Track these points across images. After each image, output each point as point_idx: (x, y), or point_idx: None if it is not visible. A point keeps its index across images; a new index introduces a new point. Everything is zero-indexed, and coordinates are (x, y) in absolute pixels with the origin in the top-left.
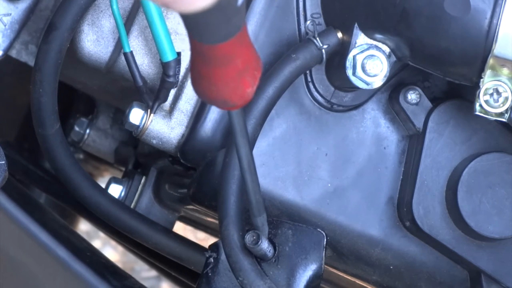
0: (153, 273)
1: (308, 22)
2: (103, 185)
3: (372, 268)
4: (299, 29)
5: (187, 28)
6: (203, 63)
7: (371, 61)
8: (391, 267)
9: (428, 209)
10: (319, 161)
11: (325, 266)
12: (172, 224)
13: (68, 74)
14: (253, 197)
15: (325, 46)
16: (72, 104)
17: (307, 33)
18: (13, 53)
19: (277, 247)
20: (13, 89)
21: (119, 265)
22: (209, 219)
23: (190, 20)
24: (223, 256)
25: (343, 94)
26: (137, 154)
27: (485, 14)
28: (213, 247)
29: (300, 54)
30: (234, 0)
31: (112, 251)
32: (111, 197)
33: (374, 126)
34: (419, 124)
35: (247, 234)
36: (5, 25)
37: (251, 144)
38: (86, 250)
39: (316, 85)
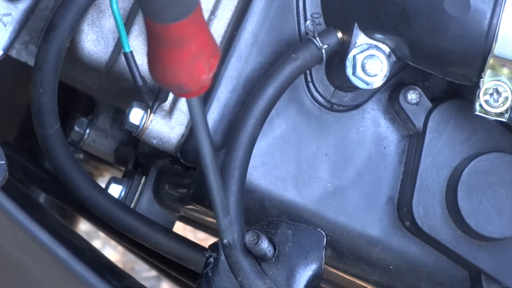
0: (153, 273)
1: (308, 22)
2: (103, 185)
3: (372, 268)
4: (299, 29)
5: (140, 6)
6: (157, 45)
7: (371, 61)
8: (391, 267)
9: (428, 209)
10: (319, 161)
11: (325, 266)
12: (172, 224)
13: (68, 74)
14: (217, 197)
15: (325, 46)
16: (72, 104)
17: (307, 33)
18: (13, 53)
19: (277, 247)
20: (13, 89)
21: (119, 265)
22: (209, 219)
23: None
24: (223, 256)
25: (343, 94)
26: (137, 154)
27: (485, 14)
28: (213, 247)
29: (300, 54)
30: None
31: (112, 251)
32: (111, 197)
33: (374, 126)
34: (419, 124)
35: (247, 234)
36: (5, 25)
37: (251, 143)
38: (86, 250)
39: (316, 85)
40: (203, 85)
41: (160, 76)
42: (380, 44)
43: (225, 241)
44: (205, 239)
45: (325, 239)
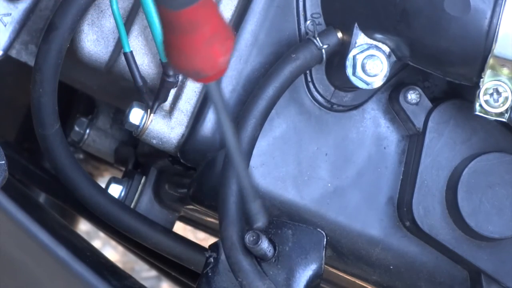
0: (153, 273)
1: (308, 22)
2: (103, 185)
3: (372, 268)
4: (299, 29)
5: None
6: (172, 32)
7: (371, 61)
8: (391, 267)
9: (428, 209)
10: (319, 161)
11: (325, 266)
12: (172, 224)
13: (68, 74)
14: (244, 180)
15: (325, 46)
16: (72, 104)
17: (307, 33)
18: (13, 53)
19: (277, 247)
20: (13, 89)
21: (119, 265)
22: (209, 219)
23: None
24: (223, 256)
25: (343, 94)
26: (137, 154)
27: (485, 14)
28: (213, 247)
29: (300, 54)
30: None
31: (112, 251)
32: (111, 197)
33: (374, 126)
34: (419, 124)
35: (247, 234)
36: (5, 25)
37: (252, 143)
38: (86, 250)
39: (316, 85)
40: (220, 68)
41: (177, 62)
42: (380, 44)
43: (257, 225)
44: (205, 239)
45: (325, 239)
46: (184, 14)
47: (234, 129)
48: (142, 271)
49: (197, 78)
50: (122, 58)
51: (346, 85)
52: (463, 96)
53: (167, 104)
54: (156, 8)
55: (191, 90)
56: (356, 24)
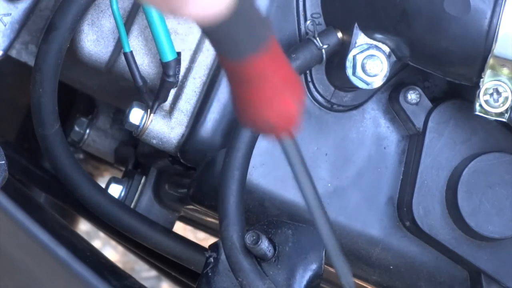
0: (153, 273)
1: (308, 22)
2: (103, 185)
3: (372, 268)
4: (299, 29)
5: (210, 42)
6: (238, 84)
7: (371, 61)
8: (391, 267)
9: (428, 209)
10: (319, 161)
11: (325, 266)
12: (172, 224)
13: (68, 74)
14: (331, 241)
15: (325, 46)
16: (72, 104)
17: (307, 33)
18: (13, 53)
19: (277, 247)
20: (13, 89)
21: (119, 265)
22: (209, 219)
23: (209, 32)
24: (223, 256)
25: (343, 94)
26: (137, 154)
27: (485, 14)
28: (213, 247)
29: (300, 54)
30: (252, 7)
31: (112, 251)
32: (111, 197)
33: (374, 126)
34: (419, 124)
35: (247, 234)
36: (5, 25)
37: (251, 143)
38: (86, 250)
39: (316, 85)
40: (294, 120)
41: (246, 117)
42: (380, 44)
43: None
44: (205, 239)
45: None
46: (248, 64)
47: (316, 188)
48: (142, 271)
49: (270, 132)
50: (122, 58)
51: (346, 85)
52: (463, 96)
53: (167, 104)
54: (219, 60)
55: (191, 90)
56: (356, 24)
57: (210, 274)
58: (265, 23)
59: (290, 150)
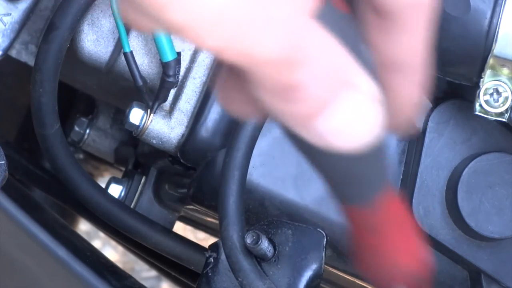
0: (153, 273)
1: None
2: (103, 185)
3: None
4: None
5: (334, 192)
6: (362, 232)
7: None
8: None
9: (428, 209)
10: None
11: (325, 266)
12: (172, 224)
13: (68, 74)
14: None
15: None
16: (72, 104)
17: None
18: (13, 53)
19: (277, 247)
20: (13, 89)
21: (119, 265)
22: (209, 219)
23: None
24: (223, 256)
25: None
26: (137, 154)
27: (485, 14)
28: (213, 247)
29: None
30: (382, 149)
31: (112, 251)
32: (111, 197)
33: None
34: (419, 124)
35: (247, 234)
36: (5, 25)
37: (251, 143)
38: (86, 250)
39: None
40: (423, 266)
41: (369, 267)
42: None
43: None
44: (205, 239)
45: (325, 239)
46: (363, 210)
47: None
48: (142, 271)
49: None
50: (122, 58)
51: None
52: (463, 96)
53: (167, 104)
54: (341, 206)
55: (191, 90)
56: None
57: (210, 274)
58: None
59: None
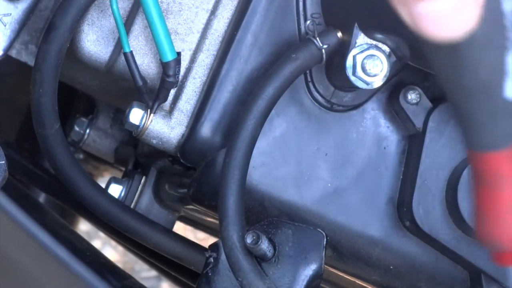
0: (153, 273)
1: (308, 22)
2: (103, 185)
3: (372, 268)
4: (299, 29)
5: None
6: (477, 184)
7: (371, 61)
8: (391, 267)
9: (428, 209)
10: (319, 161)
11: (325, 266)
12: (172, 224)
13: (68, 74)
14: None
15: (325, 46)
16: (72, 104)
17: (307, 33)
18: (13, 53)
19: (277, 247)
20: (13, 89)
21: (119, 265)
22: (209, 219)
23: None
24: (223, 256)
25: (343, 94)
26: (137, 154)
27: None
28: (213, 247)
29: (300, 54)
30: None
31: (112, 251)
32: (111, 197)
33: (374, 126)
34: (419, 124)
35: (247, 234)
36: (5, 25)
37: (251, 143)
38: (86, 250)
39: (316, 85)
40: None
41: (479, 226)
42: (380, 44)
43: None
44: (205, 239)
45: (325, 239)
46: (489, 159)
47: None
48: (142, 271)
49: (491, 249)
50: (122, 58)
51: (346, 85)
52: None
53: (167, 104)
54: (469, 152)
55: (191, 90)
56: (356, 24)
57: (210, 274)
58: None
59: None
